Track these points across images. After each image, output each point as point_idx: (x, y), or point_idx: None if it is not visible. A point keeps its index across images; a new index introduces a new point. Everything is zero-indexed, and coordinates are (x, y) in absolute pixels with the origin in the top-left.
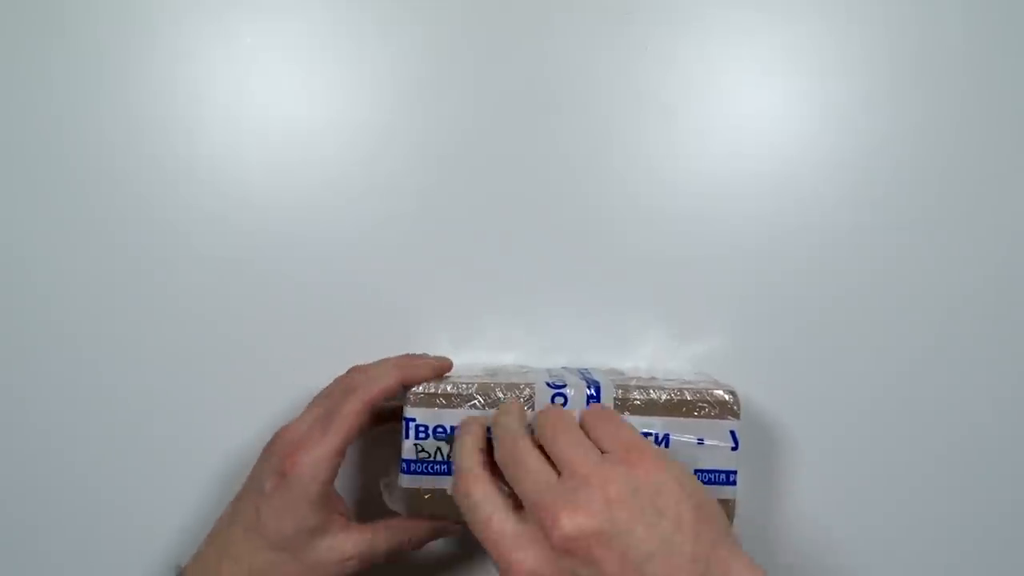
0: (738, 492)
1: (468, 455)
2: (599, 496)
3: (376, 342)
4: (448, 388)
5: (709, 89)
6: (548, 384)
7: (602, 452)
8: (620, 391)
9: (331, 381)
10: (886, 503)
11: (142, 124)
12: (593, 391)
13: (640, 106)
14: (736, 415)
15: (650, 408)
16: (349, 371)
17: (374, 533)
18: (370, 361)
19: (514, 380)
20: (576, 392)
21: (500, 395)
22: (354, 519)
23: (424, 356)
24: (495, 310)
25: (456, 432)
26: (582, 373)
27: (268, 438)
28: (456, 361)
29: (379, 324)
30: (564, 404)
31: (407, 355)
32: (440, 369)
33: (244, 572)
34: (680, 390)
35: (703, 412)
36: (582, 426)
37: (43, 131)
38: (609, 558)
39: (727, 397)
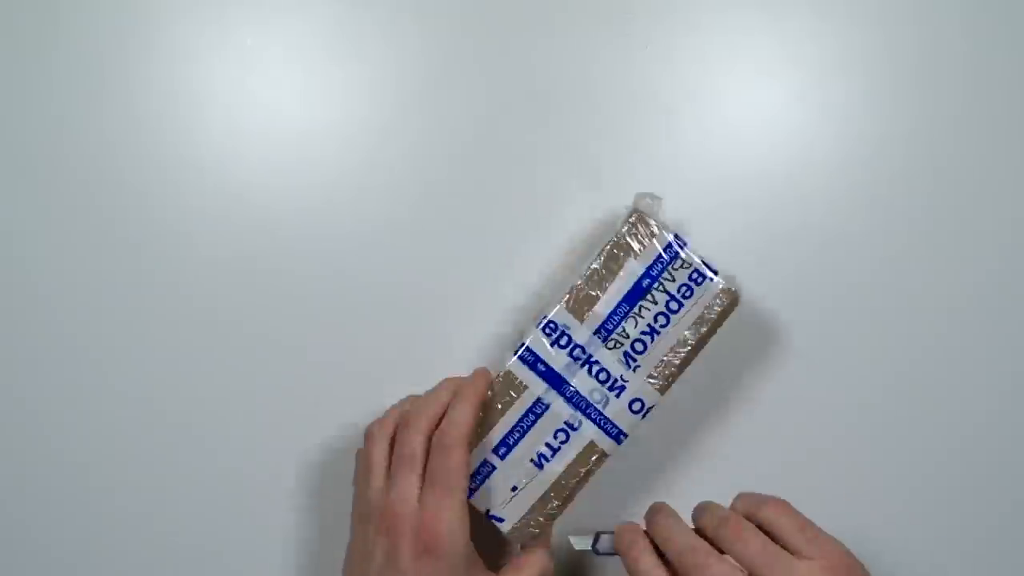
0: None
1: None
2: None
3: (377, 340)
4: None
5: (709, 89)
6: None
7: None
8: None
9: (379, 418)
10: (882, 512)
11: (142, 124)
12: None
13: (640, 106)
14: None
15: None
16: (408, 404)
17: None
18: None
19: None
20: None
21: None
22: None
23: (461, 378)
24: (495, 309)
25: (622, 547)
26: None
27: (268, 438)
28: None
29: (379, 323)
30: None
31: (448, 381)
32: (487, 379)
33: None
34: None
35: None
36: (756, 517)
37: (43, 131)
38: None
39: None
